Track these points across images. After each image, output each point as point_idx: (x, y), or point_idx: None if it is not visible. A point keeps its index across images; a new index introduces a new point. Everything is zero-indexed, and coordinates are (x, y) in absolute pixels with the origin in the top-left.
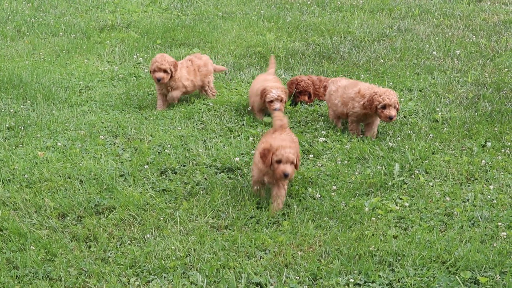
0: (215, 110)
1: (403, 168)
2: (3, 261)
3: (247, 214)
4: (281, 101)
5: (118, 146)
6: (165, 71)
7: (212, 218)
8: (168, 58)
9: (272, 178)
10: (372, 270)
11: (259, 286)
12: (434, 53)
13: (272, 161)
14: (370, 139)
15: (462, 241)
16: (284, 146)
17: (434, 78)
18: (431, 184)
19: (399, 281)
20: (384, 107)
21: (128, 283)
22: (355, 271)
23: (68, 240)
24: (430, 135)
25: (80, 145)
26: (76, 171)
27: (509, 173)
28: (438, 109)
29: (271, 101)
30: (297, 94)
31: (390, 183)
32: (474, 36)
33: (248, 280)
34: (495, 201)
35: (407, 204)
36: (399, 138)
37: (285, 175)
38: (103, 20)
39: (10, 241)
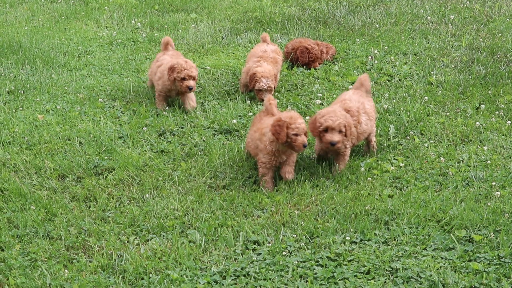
0: (212, 74)
1: (398, 130)
2: (4, 221)
3: (244, 174)
4: (270, 91)
5: (116, 109)
6: (194, 78)
7: (210, 179)
8: (193, 64)
9: (286, 154)
10: (368, 229)
11: (256, 244)
12: (429, 18)
13: (288, 134)
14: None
15: (456, 201)
16: (296, 117)
17: (428, 43)
18: (426, 145)
19: (394, 239)
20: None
21: (128, 242)
22: (351, 230)
23: (68, 200)
24: (425, 97)
25: (79, 108)
26: (75, 133)
27: (503, 135)
28: (432, 72)
29: (260, 90)
30: (310, 62)
31: (385, 144)
32: (468, 2)
33: (245, 238)
34: (489, 161)
35: (402, 165)
36: (394, 101)
37: (304, 146)
38: None
39: (10, 201)
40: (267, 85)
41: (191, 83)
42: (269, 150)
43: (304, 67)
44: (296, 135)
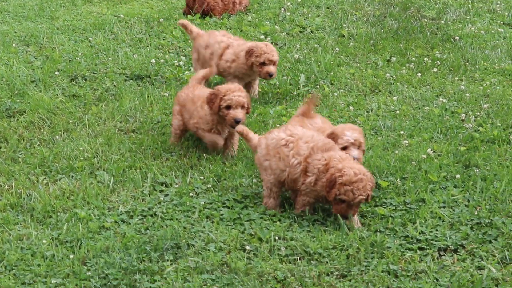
0: (125, 22)
1: (308, 79)
2: None
3: (154, 119)
4: (359, 147)
5: (30, 54)
6: (275, 63)
7: (120, 122)
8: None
9: (223, 128)
10: None
11: (164, 185)
12: None
13: (220, 106)
14: None
15: None
16: (234, 89)
17: None
18: (335, 94)
19: None
20: None
21: (37, 181)
22: (257, 172)
23: None
24: (336, 49)
25: None
26: None
27: (413, 86)
28: (345, 25)
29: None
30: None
31: (295, 93)
32: None
33: (153, 180)
34: (398, 111)
35: None
36: (305, 51)
37: (236, 121)
38: None
39: None
40: (353, 137)
41: (272, 68)
42: (209, 119)
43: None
44: (228, 107)
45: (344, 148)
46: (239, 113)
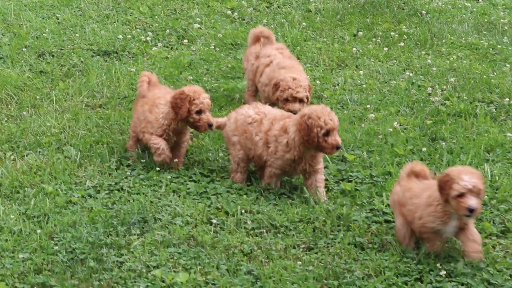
0: None
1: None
2: None
3: (121, 94)
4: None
5: None
6: (301, 101)
7: (87, 98)
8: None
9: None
10: None
11: (131, 160)
12: None
13: (190, 111)
14: None
15: None
16: (200, 91)
17: None
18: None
19: None
20: None
21: (4, 157)
22: (223, 147)
23: None
24: (303, 24)
25: None
26: None
27: (379, 61)
28: (311, 0)
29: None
30: None
31: None
32: None
33: (120, 155)
34: (364, 85)
35: None
36: (272, 26)
37: (210, 125)
38: None
39: None
40: (472, 184)
41: (296, 106)
42: (162, 124)
43: None
44: (200, 112)
45: (460, 196)
46: (211, 118)
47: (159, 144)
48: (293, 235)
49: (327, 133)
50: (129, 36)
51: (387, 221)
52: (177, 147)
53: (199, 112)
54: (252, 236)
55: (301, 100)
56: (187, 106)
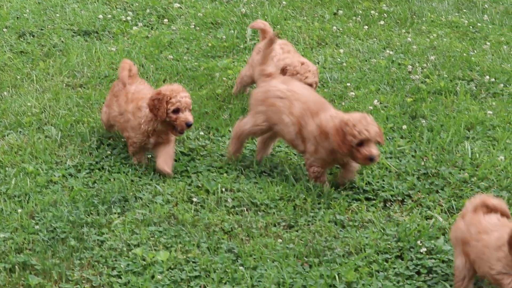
0: None
1: (255, 33)
2: None
3: (101, 73)
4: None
5: None
6: (310, 86)
7: (68, 77)
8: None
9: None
10: (222, 126)
11: (111, 139)
12: None
13: (167, 111)
14: None
15: None
16: (178, 90)
17: None
18: None
19: None
20: None
21: None
22: (204, 126)
23: None
24: (283, 2)
25: None
26: None
27: (360, 39)
28: None
29: None
30: None
31: (242, 46)
32: None
33: (101, 134)
34: (344, 64)
35: None
36: (252, 5)
37: (188, 125)
38: None
39: None
40: None
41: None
42: (144, 130)
43: None
44: (177, 111)
45: None
46: (189, 116)
47: (138, 153)
48: (274, 213)
49: (361, 143)
50: (110, 15)
51: (367, 199)
52: (162, 148)
53: (176, 111)
54: (232, 214)
55: (309, 86)
56: (165, 106)
